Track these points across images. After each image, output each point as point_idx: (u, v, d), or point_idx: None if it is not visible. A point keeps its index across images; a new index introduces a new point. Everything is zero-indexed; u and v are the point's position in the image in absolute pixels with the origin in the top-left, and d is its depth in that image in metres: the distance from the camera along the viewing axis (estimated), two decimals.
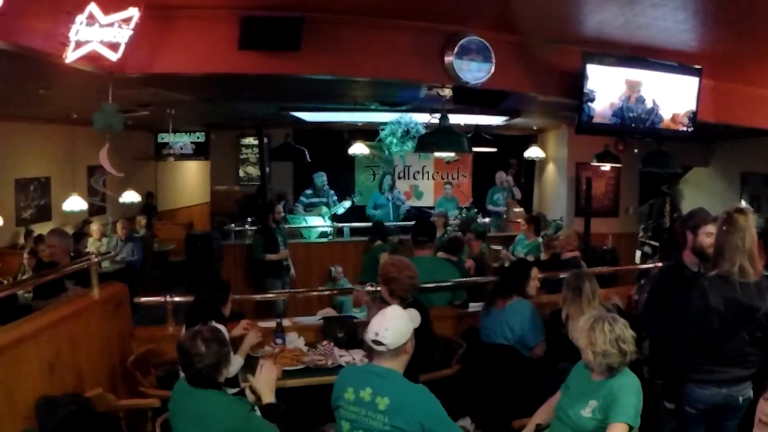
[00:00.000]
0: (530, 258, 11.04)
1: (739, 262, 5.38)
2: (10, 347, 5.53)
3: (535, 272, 7.68)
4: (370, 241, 12.23)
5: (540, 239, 12.23)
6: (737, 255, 5.38)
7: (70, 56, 5.98)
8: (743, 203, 14.10)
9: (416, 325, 4.95)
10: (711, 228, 5.89)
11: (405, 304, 5.80)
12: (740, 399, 5.52)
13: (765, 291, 5.42)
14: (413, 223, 11.29)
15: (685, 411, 5.61)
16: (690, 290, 5.67)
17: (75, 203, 13.64)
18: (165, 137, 18.22)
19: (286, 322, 7.89)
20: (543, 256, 11.05)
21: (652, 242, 16.14)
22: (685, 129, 9.30)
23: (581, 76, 8.58)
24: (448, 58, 7.96)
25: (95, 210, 16.28)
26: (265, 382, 5.20)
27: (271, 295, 10.11)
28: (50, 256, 8.77)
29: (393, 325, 4.74)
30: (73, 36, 5.91)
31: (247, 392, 5.33)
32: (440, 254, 10.38)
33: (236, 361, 6.15)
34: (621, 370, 4.87)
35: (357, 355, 7.08)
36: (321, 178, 16.87)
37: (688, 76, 9.08)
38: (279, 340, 7.45)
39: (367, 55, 7.96)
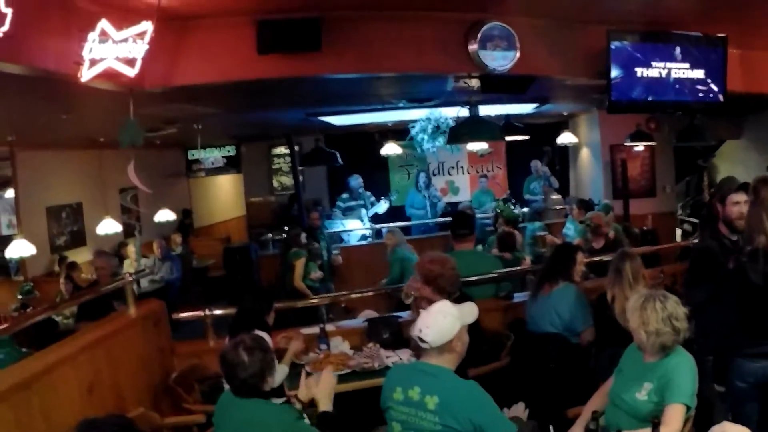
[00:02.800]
0: (577, 241, 10.99)
1: None
2: (46, 372, 5.47)
3: (580, 257, 7.61)
4: (285, 248, 12.22)
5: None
6: (766, 226, 5.22)
7: (86, 74, 5.91)
8: None
9: (470, 320, 4.84)
10: (737, 197, 5.76)
11: (452, 299, 5.69)
12: None
13: None
14: (451, 219, 11.16)
15: (736, 386, 5.46)
16: (728, 264, 5.54)
17: (109, 226, 13.70)
18: (195, 153, 18.25)
19: (329, 327, 7.84)
20: (595, 245, 10.89)
21: (692, 219, 15.99)
22: (715, 100, 9.15)
23: (607, 55, 8.44)
24: (471, 47, 7.86)
25: (131, 231, 16.30)
26: (324, 389, 5.11)
27: (313, 301, 10.00)
28: (99, 277, 8.81)
29: (435, 322, 4.63)
30: (86, 54, 5.85)
31: (294, 401, 5.25)
32: (494, 251, 10.39)
33: (281, 370, 6.07)
34: (674, 349, 4.76)
35: (404, 355, 7.02)
36: (356, 181, 16.87)
37: (713, 46, 8.93)
38: (323, 346, 7.40)
39: (389, 49, 7.87)
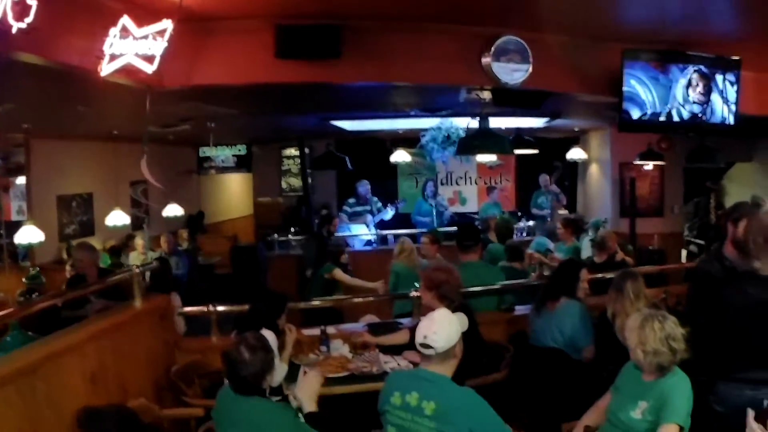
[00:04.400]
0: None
1: (762, 257, 5.24)
2: (52, 358, 5.57)
3: (584, 274, 7.63)
4: (321, 259, 12.12)
5: (577, 242, 12.15)
6: (759, 251, 5.24)
7: (105, 69, 6.00)
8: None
9: (464, 328, 4.91)
10: None
11: (453, 308, 5.77)
12: (765, 403, 5.32)
13: None
14: (455, 228, 11.19)
15: (713, 409, 5.47)
16: (723, 285, 5.57)
17: (118, 218, 13.75)
18: (207, 151, 18.31)
19: (330, 330, 7.85)
20: (597, 259, 10.93)
21: (698, 241, 15.98)
22: (727, 121, 9.21)
23: (621, 74, 8.50)
24: (485, 60, 7.92)
25: (139, 224, 16.37)
26: (307, 390, 5.20)
27: (316, 303, 10.02)
28: (79, 269, 8.88)
29: (442, 328, 4.72)
30: (107, 49, 5.95)
31: (291, 399, 5.34)
32: (503, 263, 10.42)
33: (281, 368, 6.13)
34: (671, 370, 4.81)
35: (403, 362, 7.06)
36: (365, 187, 16.88)
37: (727, 68, 8.99)
38: (324, 348, 7.45)
39: (406, 60, 7.95)
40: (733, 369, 5.33)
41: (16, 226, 11.79)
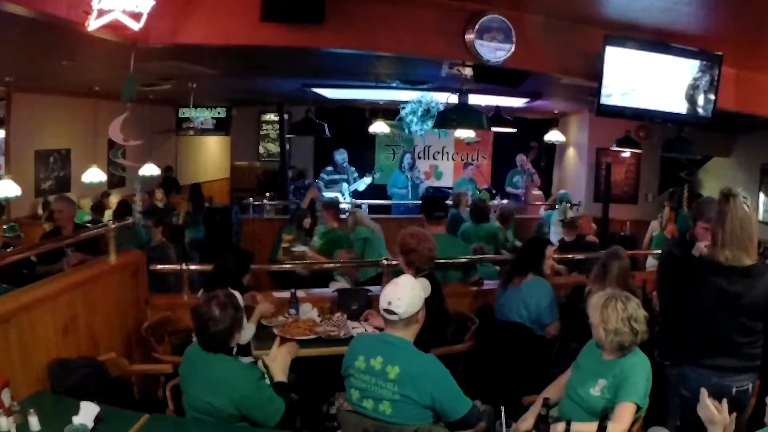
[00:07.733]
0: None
1: (725, 247, 5.29)
2: (26, 309, 5.57)
3: (550, 251, 7.72)
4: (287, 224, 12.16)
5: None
6: (720, 239, 5.29)
7: (93, 24, 5.99)
8: (761, 196, 14.09)
9: (427, 294, 5.00)
10: (706, 225, 5.79)
11: (421, 276, 5.84)
12: (733, 390, 5.36)
13: (753, 278, 5.27)
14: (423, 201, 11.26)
15: (682, 394, 5.53)
16: (686, 269, 5.63)
17: (94, 175, 13.76)
18: (186, 112, 18.25)
19: (300, 293, 7.91)
20: (567, 238, 11.06)
21: None
22: (704, 115, 9.25)
23: (602, 59, 8.54)
24: (468, 36, 7.94)
25: (115, 182, 16.33)
26: (280, 361, 5.29)
27: (286, 266, 10.08)
28: (57, 221, 8.90)
29: (406, 294, 4.80)
30: (95, 4, 5.93)
31: (259, 363, 5.40)
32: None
33: (249, 328, 6.19)
34: (632, 350, 4.89)
35: (369, 327, 7.16)
36: (341, 156, 16.92)
37: (709, 62, 9.02)
38: (293, 311, 7.53)
39: (389, 30, 7.91)
40: (699, 355, 5.41)
41: None
